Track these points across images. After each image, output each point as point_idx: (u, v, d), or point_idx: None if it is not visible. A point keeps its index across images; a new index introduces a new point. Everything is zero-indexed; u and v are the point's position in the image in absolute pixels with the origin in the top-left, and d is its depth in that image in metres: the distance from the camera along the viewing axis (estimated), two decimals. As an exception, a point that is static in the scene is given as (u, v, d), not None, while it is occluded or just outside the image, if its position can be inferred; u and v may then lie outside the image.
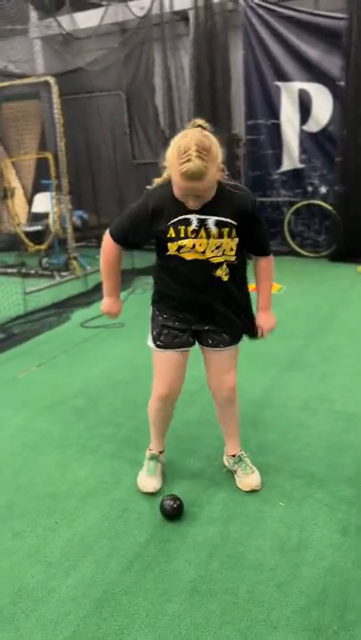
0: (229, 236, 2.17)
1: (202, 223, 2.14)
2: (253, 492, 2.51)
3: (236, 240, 2.19)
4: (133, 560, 2.18)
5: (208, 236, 2.16)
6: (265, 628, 1.85)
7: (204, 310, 2.34)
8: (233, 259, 2.22)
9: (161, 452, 2.68)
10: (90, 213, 8.53)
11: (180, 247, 2.19)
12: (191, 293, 2.30)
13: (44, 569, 2.16)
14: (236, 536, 2.26)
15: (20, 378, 3.97)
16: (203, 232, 2.15)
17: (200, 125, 2.05)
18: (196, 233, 2.15)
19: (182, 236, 2.16)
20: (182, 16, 7.32)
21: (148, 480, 2.58)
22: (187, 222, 2.14)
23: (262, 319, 2.44)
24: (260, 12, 6.67)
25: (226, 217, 2.14)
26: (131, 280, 6.48)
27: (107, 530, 2.35)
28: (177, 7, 6.40)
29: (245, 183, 7.54)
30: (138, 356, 4.23)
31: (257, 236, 2.27)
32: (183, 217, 2.13)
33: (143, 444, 2.97)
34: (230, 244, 2.18)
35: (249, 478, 2.53)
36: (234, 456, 2.62)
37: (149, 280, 6.91)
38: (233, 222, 2.15)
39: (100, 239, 7.50)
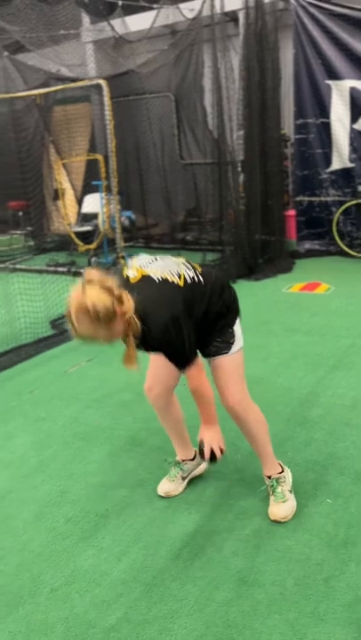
0: None
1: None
2: (278, 522, 2.31)
3: None
4: (182, 548, 2.23)
5: None
6: (312, 619, 1.87)
7: None
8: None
9: (184, 461, 2.61)
10: (137, 214, 8.67)
11: None
12: None
13: (96, 553, 2.25)
14: (283, 530, 2.28)
15: (70, 372, 4.11)
16: None
17: (91, 280, 1.95)
18: None
19: None
20: (232, 17, 7.35)
21: (162, 483, 2.59)
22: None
23: (203, 434, 2.26)
24: (312, 10, 6.62)
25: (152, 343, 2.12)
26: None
27: (155, 518, 2.42)
28: (228, 8, 6.43)
29: (293, 182, 7.51)
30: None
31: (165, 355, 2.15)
32: None
33: (191, 436, 3.03)
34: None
35: (277, 507, 2.33)
36: (269, 477, 2.44)
37: None
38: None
39: (146, 239, 7.69)
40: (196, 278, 2.21)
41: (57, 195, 8.43)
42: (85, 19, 8.31)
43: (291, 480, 2.46)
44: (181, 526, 2.36)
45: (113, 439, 3.09)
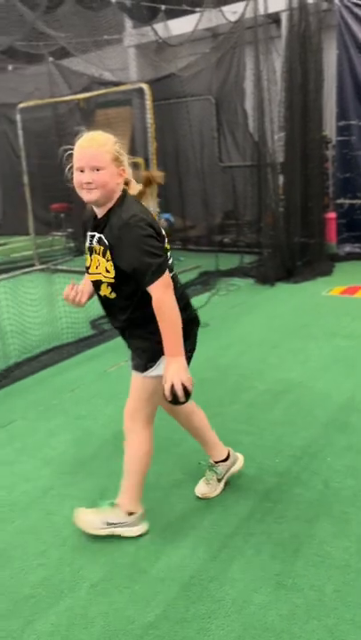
0: (104, 255, 2.08)
1: (92, 240, 2.14)
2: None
3: (111, 263, 2.06)
4: (220, 550, 2.24)
5: (91, 252, 2.15)
6: (352, 627, 1.85)
7: (119, 330, 2.28)
8: (112, 280, 2.10)
9: (217, 462, 2.60)
10: (176, 216, 8.71)
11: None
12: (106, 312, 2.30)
13: (134, 551, 2.28)
14: (322, 535, 2.27)
15: (110, 371, 4.17)
16: (94, 249, 2.14)
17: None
18: (90, 251, 2.17)
19: (86, 253, 2.21)
20: (274, 18, 7.32)
21: (199, 485, 2.59)
22: (89, 240, 2.17)
23: (166, 369, 2.06)
24: (356, 10, 6.54)
25: (106, 236, 2.06)
26: (214, 281, 6.57)
27: (193, 519, 2.43)
28: (271, 9, 6.42)
29: (334, 185, 7.42)
30: (222, 355, 4.30)
31: (125, 261, 2.02)
32: (89, 234, 2.17)
33: (229, 440, 3.04)
34: (105, 264, 2.08)
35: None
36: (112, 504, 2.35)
37: (233, 281, 7.00)
38: (107, 242, 2.06)
39: (184, 241, 7.71)
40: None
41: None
42: (128, 23, 8.43)
43: (117, 521, 2.33)
44: (219, 527, 2.37)
45: (151, 439, 3.12)
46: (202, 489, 2.59)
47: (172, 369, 2.03)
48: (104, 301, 2.23)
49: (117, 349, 4.61)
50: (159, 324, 2.03)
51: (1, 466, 2.96)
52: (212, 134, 8.18)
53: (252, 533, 2.32)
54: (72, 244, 9.37)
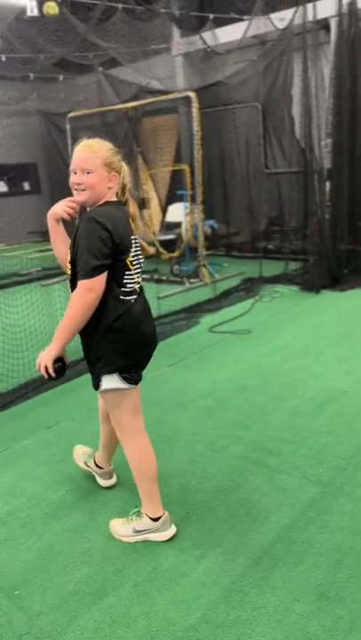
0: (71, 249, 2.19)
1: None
2: None
3: (70, 254, 2.19)
4: (261, 557, 2.24)
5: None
6: (396, 642, 1.82)
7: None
8: (69, 274, 2.21)
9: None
10: (220, 222, 8.75)
11: None
12: None
13: (176, 553, 2.31)
14: (367, 548, 2.23)
15: (152, 376, 4.21)
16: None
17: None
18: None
19: None
20: (323, 24, 7.27)
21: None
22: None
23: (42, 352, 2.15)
24: None
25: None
26: (258, 288, 6.54)
27: (235, 525, 2.44)
28: (320, 15, 6.38)
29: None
30: (265, 363, 4.28)
31: (74, 251, 2.13)
32: None
33: (272, 447, 3.03)
34: (68, 257, 2.21)
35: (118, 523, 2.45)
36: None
37: (277, 288, 6.95)
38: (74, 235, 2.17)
39: (228, 247, 7.71)
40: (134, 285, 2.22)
41: (143, 204, 8.68)
42: (176, 32, 8.55)
43: (144, 528, 2.37)
44: (261, 535, 2.36)
45: (194, 444, 3.15)
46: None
47: (44, 352, 2.14)
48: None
49: (160, 354, 4.65)
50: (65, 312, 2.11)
51: (48, 465, 3.04)
52: (259, 141, 8.19)
53: (294, 542, 2.30)
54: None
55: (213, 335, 5.05)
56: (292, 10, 6.54)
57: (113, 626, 1.98)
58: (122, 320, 2.17)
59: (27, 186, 12.32)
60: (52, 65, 8.34)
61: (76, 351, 4.39)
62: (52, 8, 5.84)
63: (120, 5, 6.39)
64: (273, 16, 7.25)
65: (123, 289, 2.17)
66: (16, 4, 6.34)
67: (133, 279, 2.21)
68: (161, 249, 7.94)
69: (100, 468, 2.79)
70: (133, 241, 2.21)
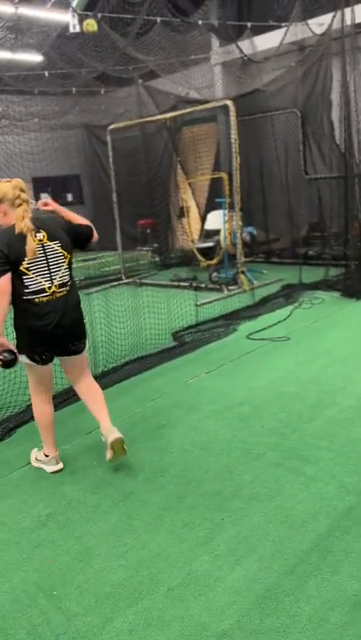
0: None
1: None
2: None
3: None
4: (296, 565, 2.23)
5: None
6: None
7: None
8: None
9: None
10: (259, 229, 8.72)
11: None
12: None
13: (211, 559, 2.32)
14: None
15: (190, 383, 4.25)
16: None
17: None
18: None
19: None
20: (362, 28, 7.18)
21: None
22: None
23: None
24: None
25: None
26: (297, 294, 6.49)
27: (270, 532, 2.43)
28: (359, 19, 6.32)
29: None
30: (304, 370, 4.24)
31: None
32: None
33: (309, 455, 3.01)
34: None
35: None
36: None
37: (317, 294, 6.86)
38: None
39: (267, 254, 7.67)
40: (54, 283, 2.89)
41: (182, 212, 8.76)
42: (215, 42, 8.62)
43: (40, 459, 3.17)
44: (297, 543, 2.35)
45: (230, 450, 3.15)
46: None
47: None
48: None
49: (198, 361, 4.71)
50: None
51: (86, 470, 3.11)
52: (298, 147, 8.14)
53: (329, 551, 2.28)
54: (157, 259, 9.65)
55: (251, 342, 5.04)
56: (331, 15, 6.50)
57: (147, 629, 2.01)
58: (24, 314, 2.86)
59: (70, 197, 12.62)
60: (93, 79, 8.54)
61: (109, 361, 4.44)
62: (91, 25, 6.01)
63: (158, 19, 6.51)
64: (311, 22, 7.22)
65: (26, 290, 2.80)
66: (58, 22, 6.55)
67: (35, 281, 2.81)
68: (200, 256, 7.99)
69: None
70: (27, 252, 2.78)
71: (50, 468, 3.12)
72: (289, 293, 6.55)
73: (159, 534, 2.50)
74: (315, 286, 6.68)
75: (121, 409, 3.83)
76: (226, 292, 7.00)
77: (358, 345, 4.71)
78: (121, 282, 8.33)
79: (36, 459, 3.20)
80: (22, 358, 2.91)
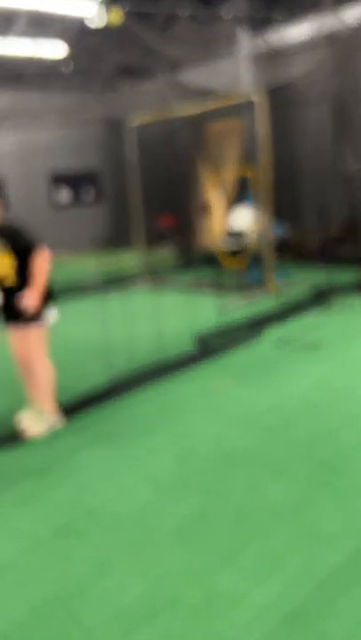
0: None
1: None
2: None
3: None
4: (325, 581, 2.12)
5: None
6: None
7: None
8: None
9: None
10: (288, 228, 8.51)
11: None
12: None
13: (235, 575, 2.22)
14: None
15: (214, 390, 4.12)
16: None
17: None
18: None
19: None
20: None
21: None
22: None
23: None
24: None
25: None
26: (328, 298, 6.24)
27: (299, 548, 2.32)
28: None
29: None
30: (335, 379, 4.09)
31: None
32: None
33: (341, 468, 2.88)
34: None
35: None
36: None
37: (349, 298, 6.49)
38: None
39: (296, 255, 7.47)
40: None
41: (206, 211, 8.59)
42: (241, 34, 8.44)
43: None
44: (327, 560, 2.24)
45: (256, 462, 3.04)
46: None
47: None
48: None
49: (222, 367, 4.56)
50: None
51: (105, 479, 3.03)
52: (328, 141, 7.89)
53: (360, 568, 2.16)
54: (179, 259, 9.46)
55: (279, 349, 4.88)
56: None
57: (169, 647, 1.93)
58: None
59: (90, 194, 12.58)
60: (116, 73, 8.46)
61: (128, 366, 4.32)
62: (115, 17, 5.91)
63: (183, 12, 6.38)
64: (342, 13, 6.99)
65: None
66: (80, 15, 6.45)
67: None
68: (225, 257, 7.77)
69: None
70: None
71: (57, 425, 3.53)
72: (319, 297, 6.28)
73: (180, 548, 2.41)
74: (347, 289, 6.44)
75: (140, 416, 3.73)
76: (252, 295, 6.80)
77: (391, 350, 4.54)
78: (141, 283, 8.14)
79: (42, 423, 3.50)
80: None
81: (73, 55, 8.37)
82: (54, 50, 8.23)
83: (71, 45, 7.00)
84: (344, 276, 6.72)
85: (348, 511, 2.52)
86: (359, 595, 2.04)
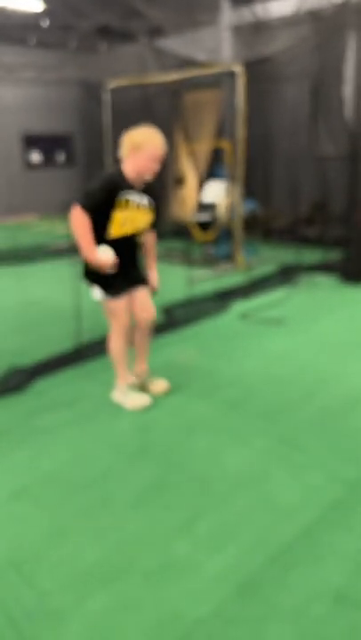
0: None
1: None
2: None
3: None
4: (279, 555, 2.16)
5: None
6: None
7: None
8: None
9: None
10: (259, 205, 8.49)
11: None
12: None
13: (190, 544, 2.24)
14: (391, 555, 2.13)
15: (178, 361, 4.13)
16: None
17: None
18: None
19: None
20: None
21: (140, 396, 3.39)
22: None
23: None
24: None
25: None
26: (295, 276, 6.33)
27: (255, 520, 2.36)
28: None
29: None
30: (297, 354, 4.15)
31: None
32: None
33: (299, 443, 2.93)
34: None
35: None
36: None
37: (315, 277, 6.59)
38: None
39: (265, 232, 7.59)
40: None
41: (179, 182, 8.47)
42: (225, 4, 8.23)
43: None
44: (282, 532, 2.28)
45: (216, 433, 3.06)
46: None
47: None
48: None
49: (187, 339, 4.58)
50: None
51: (64, 444, 3.00)
52: (305, 121, 7.85)
53: (315, 542, 2.22)
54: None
55: (244, 323, 4.92)
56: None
57: (122, 611, 1.94)
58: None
59: (62, 157, 12.22)
60: (94, 33, 8.15)
61: (94, 333, 4.30)
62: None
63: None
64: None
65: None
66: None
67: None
68: (196, 230, 7.75)
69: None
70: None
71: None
72: (286, 274, 6.37)
73: (138, 516, 2.42)
74: (313, 268, 6.53)
75: (105, 384, 3.71)
76: (221, 268, 6.84)
77: (355, 331, 4.62)
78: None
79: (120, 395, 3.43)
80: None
81: (51, 10, 8.01)
82: (31, 2, 7.86)
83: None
84: (312, 255, 6.80)
85: (304, 484, 2.57)
86: (311, 568, 2.09)
